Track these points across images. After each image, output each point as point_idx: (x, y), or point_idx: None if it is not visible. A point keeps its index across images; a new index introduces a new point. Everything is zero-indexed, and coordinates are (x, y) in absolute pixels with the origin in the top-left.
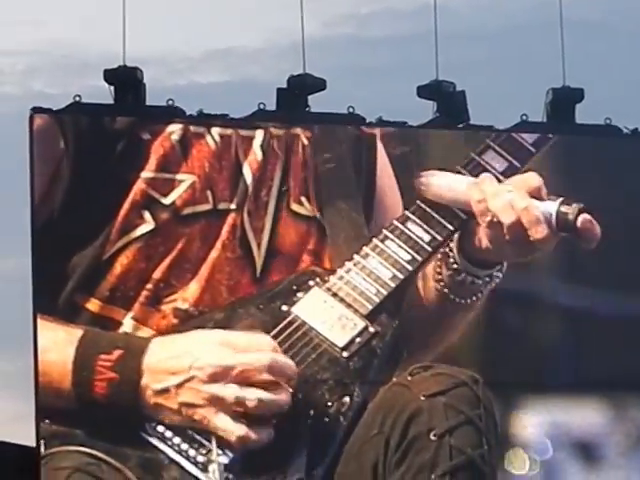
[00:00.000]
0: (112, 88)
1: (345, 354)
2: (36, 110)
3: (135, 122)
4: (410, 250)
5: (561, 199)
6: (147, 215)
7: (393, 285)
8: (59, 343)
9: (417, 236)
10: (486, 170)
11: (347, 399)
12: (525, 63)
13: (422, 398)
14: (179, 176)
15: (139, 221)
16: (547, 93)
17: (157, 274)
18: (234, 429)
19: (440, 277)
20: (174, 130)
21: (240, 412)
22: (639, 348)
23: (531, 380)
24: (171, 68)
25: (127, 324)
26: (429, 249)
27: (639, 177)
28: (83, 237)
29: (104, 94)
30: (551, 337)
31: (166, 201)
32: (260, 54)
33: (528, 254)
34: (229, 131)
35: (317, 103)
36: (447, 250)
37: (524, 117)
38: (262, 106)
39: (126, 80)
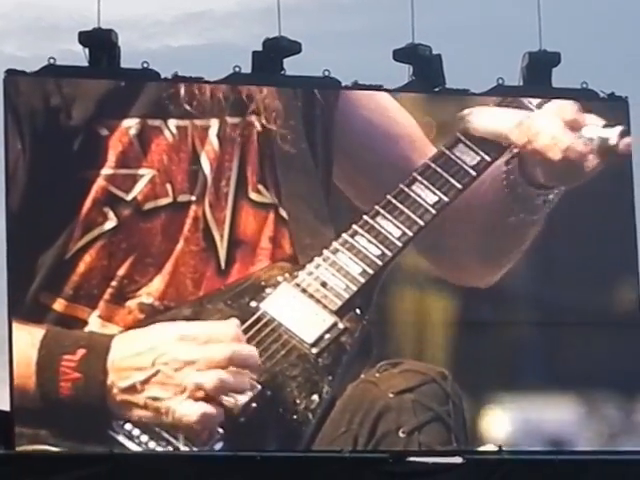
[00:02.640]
0: (87, 51)
1: (314, 350)
2: (10, 72)
3: (92, 118)
4: (380, 245)
5: (602, 123)
6: (109, 212)
7: (363, 280)
8: (21, 344)
9: (387, 231)
10: (457, 164)
11: (316, 397)
12: (501, 27)
13: (390, 395)
14: (139, 171)
15: (101, 218)
16: (523, 57)
17: (121, 271)
18: (195, 410)
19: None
20: (131, 125)
21: (201, 396)
22: (611, 345)
23: (502, 377)
24: (144, 32)
25: (93, 322)
26: (399, 244)
27: None
28: (46, 237)
29: (78, 57)
30: (523, 334)
31: (128, 197)
32: (234, 17)
33: (579, 181)
34: (185, 122)
35: (292, 66)
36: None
37: (500, 81)
38: (237, 69)
39: (101, 43)
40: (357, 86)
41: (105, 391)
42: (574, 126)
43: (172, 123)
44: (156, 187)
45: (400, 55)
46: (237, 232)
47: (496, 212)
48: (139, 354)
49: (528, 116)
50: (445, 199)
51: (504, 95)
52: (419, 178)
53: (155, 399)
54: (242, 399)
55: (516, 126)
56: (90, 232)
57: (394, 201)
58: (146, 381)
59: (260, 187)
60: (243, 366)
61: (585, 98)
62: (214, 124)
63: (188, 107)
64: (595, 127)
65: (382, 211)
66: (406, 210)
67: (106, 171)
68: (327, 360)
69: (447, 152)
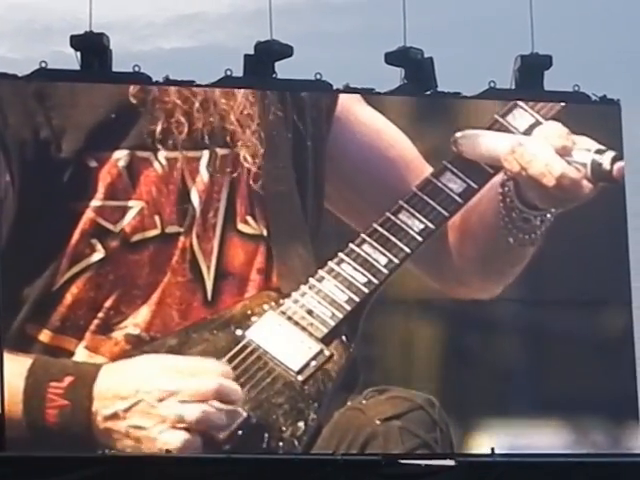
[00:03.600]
0: (78, 54)
1: (300, 378)
2: (1, 76)
3: (81, 150)
4: (366, 272)
5: (595, 148)
6: (97, 244)
7: (349, 308)
8: (9, 373)
9: (373, 258)
10: (443, 192)
11: (302, 424)
12: (493, 30)
13: (377, 422)
14: (128, 203)
15: (89, 250)
16: (515, 60)
17: (108, 302)
18: (176, 438)
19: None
20: (121, 157)
21: (183, 427)
22: (599, 370)
23: (491, 403)
24: (137, 33)
25: (79, 353)
26: (386, 271)
27: None
28: (33, 268)
29: (69, 60)
30: (511, 359)
31: (115, 229)
32: (226, 19)
33: (573, 204)
34: (175, 154)
35: (284, 69)
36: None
37: (492, 84)
38: (229, 72)
39: (92, 46)
40: (349, 89)
41: (90, 418)
42: (565, 151)
43: (162, 155)
44: (144, 219)
45: (392, 58)
46: (224, 263)
47: (494, 231)
48: (124, 383)
49: (520, 143)
50: (431, 226)
51: (496, 98)
52: (405, 206)
53: (137, 427)
54: (223, 434)
55: (509, 153)
56: (77, 264)
57: (380, 229)
58: (128, 409)
59: (248, 218)
60: (227, 401)
61: (577, 101)
62: (204, 155)
63: (178, 139)
64: (587, 152)
65: (368, 239)
66: (392, 238)
67: (95, 203)
68: (313, 387)
69: (434, 180)
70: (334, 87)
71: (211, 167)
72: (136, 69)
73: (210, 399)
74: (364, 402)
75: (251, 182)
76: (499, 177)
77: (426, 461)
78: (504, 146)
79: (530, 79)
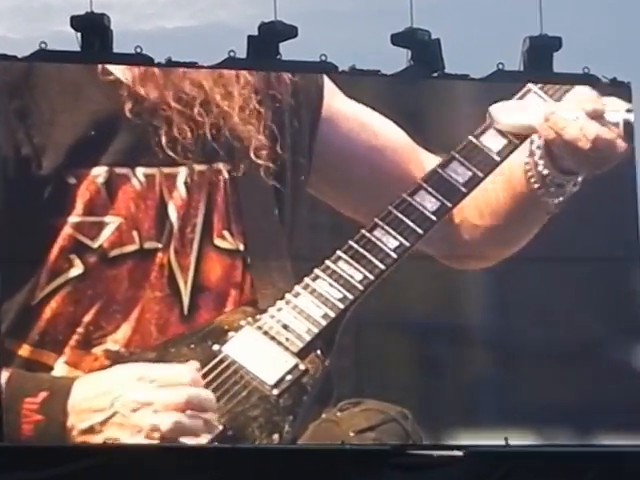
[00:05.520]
0: (79, 35)
1: (275, 392)
2: (1, 57)
3: (61, 167)
4: (341, 288)
5: (625, 108)
6: (75, 259)
7: (324, 323)
8: None
9: (348, 275)
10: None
11: (276, 436)
12: (502, 11)
13: (351, 434)
14: (105, 218)
15: (67, 265)
16: (524, 41)
17: (87, 317)
18: None
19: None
20: (99, 173)
21: (157, 437)
22: (569, 383)
23: (462, 416)
24: (138, 12)
25: (59, 368)
26: (361, 287)
27: None
28: (12, 283)
29: (70, 39)
30: (482, 371)
31: (94, 244)
32: None
33: (607, 166)
34: (153, 170)
35: (288, 51)
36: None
37: (500, 66)
38: (232, 54)
39: (93, 27)
40: (354, 71)
41: (66, 433)
42: (597, 114)
43: (140, 171)
44: (122, 234)
45: (398, 39)
46: (201, 278)
47: (522, 200)
48: (98, 396)
49: (552, 111)
50: (419, 231)
51: (504, 80)
52: (389, 217)
53: (113, 440)
54: (199, 442)
55: (544, 121)
56: (56, 279)
57: (355, 246)
58: (104, 422)
59: (225, 233)
60: (200, 409)
61: (587, 84)
62: (182, 172)
63: (157, 155)
64: (618, 112)
65: (344, 256)
66: (367, 254)
67: (73, 219)
68: (288, 401)
69: (440, 171)
70: (339, 69)
71: (189, 182)
72: (138, 50)
73: (184, 409)
74: (338, 414)
75: (229, 195)
76: (526, 146)
77: (435, 452)
78: (537, 114)
79: (539, 61)
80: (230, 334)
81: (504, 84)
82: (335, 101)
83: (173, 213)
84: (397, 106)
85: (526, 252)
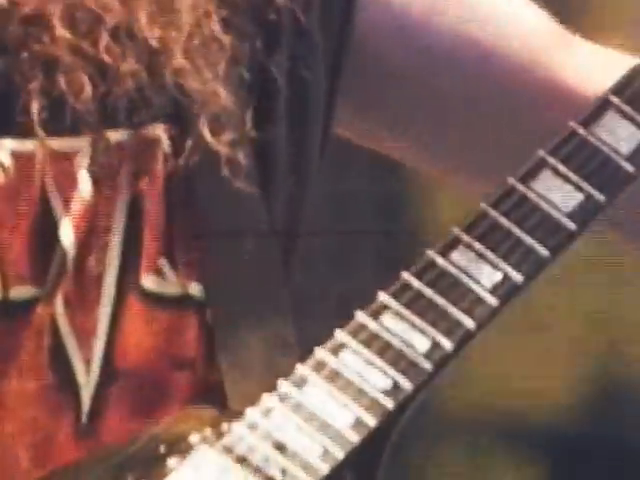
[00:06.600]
0: None
1: None
2: None
3: None
4: (393, 370)
5: None
6: None
7: (355, 440)
8: None
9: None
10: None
11: None
12: None
13: None
14: None
15: None
16: None
17: None
18: None
19: None
20: None
21: None
22: None
23: None
24: None
25: None
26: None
27: None
28: None
29: None
30: None
31: None
32: None
33: None
34: (28, 144)
35: None
36: None
37: None
38: None
39: None
40: None
41: None
42: None
43: (7, 146)
44: None
45: None
46: (117, 353)
47: None
48: None
49: None
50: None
51: None
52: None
53: None
54: None
55: None
56: None
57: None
58: None
59: (163, 264)
60: None
61: None
62: (85, 150)
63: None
64: None
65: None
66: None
67: None
68: None
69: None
70: None
71: (97, 170)
72: None
73: None
74: None
75: (175, 190)
76: None
77: None
78: None
79: None
80: (170, 462)
81: None
82: None
83: (67, 232)
84: None
85: None
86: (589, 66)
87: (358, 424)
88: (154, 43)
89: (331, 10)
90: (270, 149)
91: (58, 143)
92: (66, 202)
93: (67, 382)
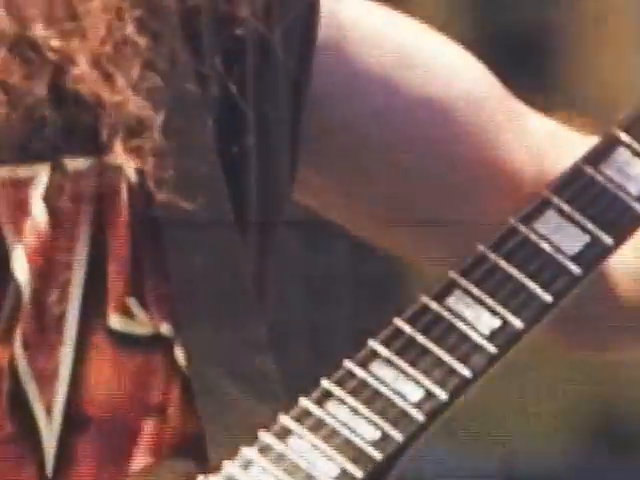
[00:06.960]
0: None
1: None
2: None
3: None
4: (384, 422)
5: None
6: None
7: None
8: None
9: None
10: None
11: None
12: None
13: None
14: None
15: None
16: None
17: None
18: None
19: None
20: None
21: None
22: None
23: None
24: None
25: None
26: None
27: None
28: None
29: None
30: None
31: None
32: None
33: None
34: None
35: None
36: None
37: None
38: None
39: None
40: None
41: None
42: None
43: None
44: None
45: None
46: (82, 398)
47: None
48: None
49: None
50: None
51: None
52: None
53: None
54: None
55: None
56: None
57: None
58: None
59: (131, 302)
60: None
61: None
62: (42, 177)
63: None
64: None
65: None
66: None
67: None
68: None
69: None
70: None
71: (54, 198)
72: None
73: None
74: None
75: (140, 217)
76: None
77: None
78: None
79: None
80: None
81: None
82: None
83: (21, 264)
84: None
85: None
86: (534, 135)
87: (343, 476)
88: (51, 55)
89: (294, 28)
90: (238, 165)
91: (9, 171)
92: (19, 232)
93: (28, 431)
